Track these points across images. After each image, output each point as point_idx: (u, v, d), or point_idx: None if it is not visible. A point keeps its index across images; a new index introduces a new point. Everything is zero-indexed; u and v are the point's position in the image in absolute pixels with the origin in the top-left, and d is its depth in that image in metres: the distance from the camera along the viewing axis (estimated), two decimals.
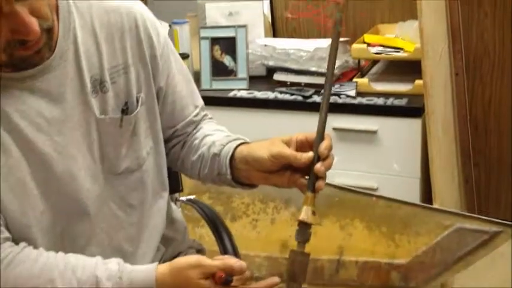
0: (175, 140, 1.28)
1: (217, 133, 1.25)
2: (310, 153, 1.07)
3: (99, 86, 1.11)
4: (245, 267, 1.05)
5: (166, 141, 1.27)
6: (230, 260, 1.06)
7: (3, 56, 0.99)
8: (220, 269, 1.03)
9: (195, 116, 1.28)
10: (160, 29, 1.21)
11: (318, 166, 1.06)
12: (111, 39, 1.12)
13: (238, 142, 1.18)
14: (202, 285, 1.03)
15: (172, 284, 1.04)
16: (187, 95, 1.27)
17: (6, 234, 1.05)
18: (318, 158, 1.07)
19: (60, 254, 1.07)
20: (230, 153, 1.16)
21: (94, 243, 1.15)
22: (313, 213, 1.06)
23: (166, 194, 1.27)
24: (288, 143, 1.11)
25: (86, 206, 1.12)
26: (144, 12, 1.18)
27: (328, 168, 1.08)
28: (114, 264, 1.06)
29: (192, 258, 1.06)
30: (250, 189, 1.21)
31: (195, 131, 1.28)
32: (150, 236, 1.23)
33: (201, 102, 1.31)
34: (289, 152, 1.09)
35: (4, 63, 1.01)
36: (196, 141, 1.25)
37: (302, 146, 1.10)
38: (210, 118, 1.33)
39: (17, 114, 1.04)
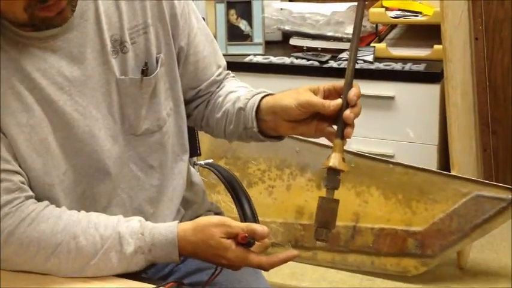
0: (199, 100, 1.27)
1: (241, 89, 1.24)
2: (339, 100, 1.06)
3: (119, 46, 1.10)
4: (267, 233, 1.05)
5: (190, 101, 1.26)
6: (253, 224, 1.06)
7: (25, 15, 0.98)
8: (243, 230, 1.04)
9: (218, 75, 1.26)
10: None
11: (347, 113, 1.04)
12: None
13: (263, 94, 1.16)
14: (224, 244, 1.03)
15: (194, 240, 1.04)
16: (209, 54, 1.25)
17: (29, 192, 1.06)
18: (346, 105, 1.06)
19: (83, 212, 1.08)
20: (256, 105, 1.15)
21: (115, 204, 1.15)
22: (343, 159, 1.05)
23: (186, 157, 1.27)
24: (315, 92, 1.09)
25: (106, 167, 1.12)
26: None
27: (357, 115, 1.06)
28: (136, 221, 1.07)
29: (216, 218, 1.06)
30: (278, 141, 1.19)
31: (218, 90, 1.26)
32: (170, 197, 1.23)
33: (223, 62, 1.29)
34: (317, 99, 1.07)
35: (24, 23, 1.00)
36: (220, 99, 1.23)
37: (329, 95, 1.09)
38: (233, 77, 1.32)
39: (38, 73, 1.04)
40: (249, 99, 1.16)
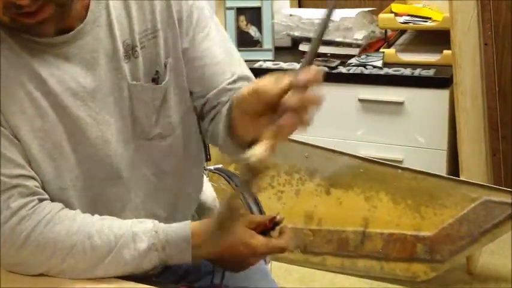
0: (212, 113, 1.17)
1: None
2: (285, 82, 0.88)
3: (131, 51, 1.09)
4: (283, 217, 1.09)
5: (202, 114, 1.20)
6: (267, 215, 1.10)
7: (6, 19, 0.98)
8: (263, 219, 1.08)
9: (231, 83, 1.14)
10: None
11: (286, 97, 0.86)
12: (140, 2, 1.11)
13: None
14: (249, 231, 1.06)
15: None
16: (222, 60, 1.16)
17: (44, 195, 1.07)
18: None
19: (97, 215, 1.09)
20: (230, 102, 1.08)
21: (128, 209, 1.15)
22: (265, 152, 0.84)
23: (201, 162, 1.27)
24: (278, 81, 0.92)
25: (119, 171, 1.12)
26: None
27: (304, 102, 0.86)
28: (149, 222, 1.07)
29: None
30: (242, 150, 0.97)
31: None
32: (185, 202, 1.24)
33: (242, 71, 1.18)
34: (268, 84, 0.90)
35: (14, 27, 1.00)
36: (226, 107, 1.11)
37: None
38: None
39: (53, 79, 1.04)
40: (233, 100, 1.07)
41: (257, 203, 1.46)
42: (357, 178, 2.20)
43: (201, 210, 1.31)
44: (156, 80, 1.12)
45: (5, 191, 1.02)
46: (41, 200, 1.06)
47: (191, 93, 1.18)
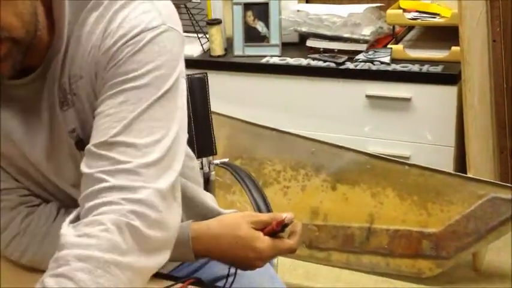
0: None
1: None
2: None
3: (67, 97, 0.98)
4: (293, 216, 1.03)
5: None
6: (277, 213, 1.05)
7: None
8: (270, 218, 1.03)
9: (98, 145, 0.91)
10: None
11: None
12: (81, 46, 0.96)
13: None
14: (254, 233, 1.02)
15: (220, 233, 1.03)
16: (113, 119, 0.92)
17: (34, 202, 1.08)
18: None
19: None
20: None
21: None
22: None
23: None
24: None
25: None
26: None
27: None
28: None
29: (241, 212, 1.06)
30: None
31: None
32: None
33: (126, 138, 0.90)
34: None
35: None
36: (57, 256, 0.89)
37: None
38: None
39: (6, 114, 1.00)
40: None
41: (264, 199, 1.46)
42: (363, 174, 2.20)
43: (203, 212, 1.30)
44: (80, 146, 0.99)
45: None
46: (31, 207, 1.06)
47: None
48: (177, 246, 1.03)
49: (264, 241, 1.02)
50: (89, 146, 0.90)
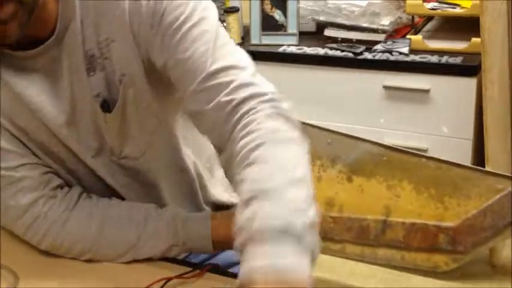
0: (196, 119, 1.00)
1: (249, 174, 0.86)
2: None
3: (94, 63, 1.01)
4: None
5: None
6: None
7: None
8: None
9: (200, 82, 0.94)
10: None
11: None
12: (102, 11, 1.00)
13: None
14: None
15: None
16: (197, 54, 0.96)
17: (56, 182, 1.08)
18: None
19: (114, 201, 1.12)
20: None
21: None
22: None
23: (188, 170, 1.19)
24: None
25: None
26: None
27: None
28: (168, 213, 1.08)
29: None
30: None
31: (227, 137, 0.93)
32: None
33: (220, 63, 0.95)
34: None
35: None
36: (238, 160, 0.89)
37: None
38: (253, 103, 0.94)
39: (26, 91, 1.02)
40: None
41: None
42: (379, 166, 2.17)
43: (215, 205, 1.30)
44: (107, 108, 1.03)
45: (11, 185, 1.02)
46: (53, 190, 1.06)
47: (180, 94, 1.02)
48: (197, 238, 1.03)
49: None
50: (193, 88, 0.93)
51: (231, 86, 0.91)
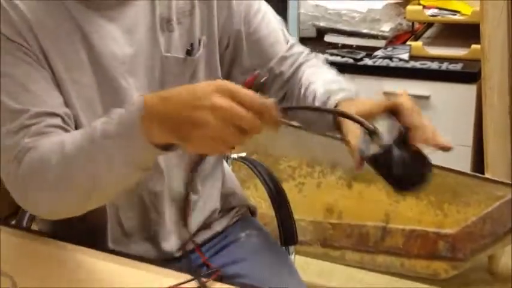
0: (277, 83, 1.17)
1: (319, 81, 1.12)
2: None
3: (166, 24, 1.11)
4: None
5: (269, 86, 1.18)
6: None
7: None
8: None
9: (287, 50, 1.18)
10: None
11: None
12: None
13: (340, 98, 1.04)
14: (221, 102, 0.81)
15: (178, 100, 0.85)
16: (275, 30, 1.19)
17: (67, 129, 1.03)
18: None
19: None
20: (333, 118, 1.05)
21: (152, 179, 1.14)
22: None
23: None
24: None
25: None
26: None
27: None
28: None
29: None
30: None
31: (297, 75, 1.17)
32: (211, 185, 1.24)
33: (292, 39, 1.23)
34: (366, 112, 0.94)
35: None
36: (302, 90, 1.12)
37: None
38: (309, 55, 1.22)
39: (95, 36, 1.06)
40: (326, 101, 1.05)
41: (283, 195, 1.45)
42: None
43: (223, 197, 1.30)
44: (189, 52, 1.13)
45: (27, 127, 0.99)
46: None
47: (246, 69, 1.17)
48: (128, 117, 0.90)
49: (220, 98, 0.81)
50: (283, 54, 1.18)
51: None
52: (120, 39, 1.08)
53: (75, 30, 1.05)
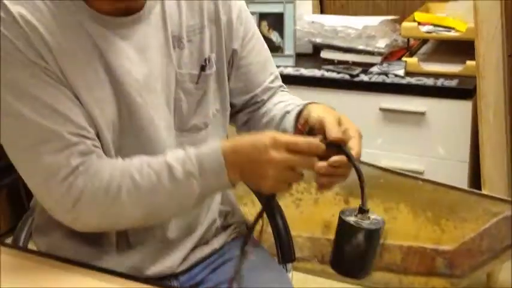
0: (252, 108, 1.27)
1: (293, 100, 1.24)
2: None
3: (177, 42, 1.14)
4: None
5: (242, 109, 1.27)
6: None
7: (105, 4, 1.06)
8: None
9: (271, 82, 1.27)
10: None
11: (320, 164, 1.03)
12: (191, 1, 1.17)
13: (312, 102, 1.17)
14: (277, 156, 1.00)
15: (245, 154, 1.03)
16: (264, 60, 1.27)
17: (103, 155, 1.08)
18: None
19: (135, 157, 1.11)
20: (298, 109, 1.15)
21: None
22: None
23: None
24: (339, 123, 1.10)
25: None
26: None
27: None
28: (180, 151, 1.08)
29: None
30: None
31: (269, 98, 1.27)
32: (211, 199, 1.25)
33: (276, 70, 1.31)
34: (329, 124, 1.07)
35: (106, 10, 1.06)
36: (270, 105, 1.25)
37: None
38: (286, 91, 1.32)
39: (111, 54, 1.07)
40: (298, 105, 1.17)
41: (282, 216, 1.45)
42: (376, 188, 2.17)
43: (222, 214, 1.31)
44: (203, 68, 1.17)
45: (68, 148, 1.03)
46: (99, 156, 1.07)
47: (232, 90, 1.24)
48: (212, 166, 1.05)
49: (280, 153, 1.00)
50: (268, 85, 1.27)
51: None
52: (134, 57, 1.09)
53: (92, 48, 1.06)
